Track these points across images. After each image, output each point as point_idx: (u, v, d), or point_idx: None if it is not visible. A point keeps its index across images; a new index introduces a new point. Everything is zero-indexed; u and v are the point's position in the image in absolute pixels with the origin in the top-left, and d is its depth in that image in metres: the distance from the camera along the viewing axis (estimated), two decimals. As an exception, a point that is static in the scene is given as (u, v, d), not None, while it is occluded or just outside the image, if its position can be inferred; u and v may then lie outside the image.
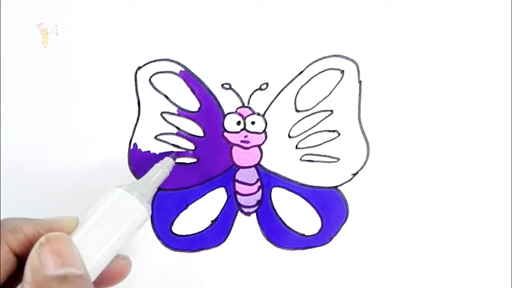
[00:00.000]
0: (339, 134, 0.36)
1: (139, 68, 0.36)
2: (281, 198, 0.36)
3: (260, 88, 0.36)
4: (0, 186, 0.35)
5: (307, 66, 0.36)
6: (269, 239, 0.36)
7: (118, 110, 0.36)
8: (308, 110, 0.36)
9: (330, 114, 0.36)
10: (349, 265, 0.35)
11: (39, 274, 0.25)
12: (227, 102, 0.36)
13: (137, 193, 0.30)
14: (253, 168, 0.36)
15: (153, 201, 0.36)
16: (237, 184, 0.36)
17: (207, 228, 0.36)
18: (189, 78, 0.36)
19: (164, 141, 0.36)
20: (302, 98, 0.36)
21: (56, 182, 0.36)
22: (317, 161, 0.36)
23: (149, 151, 0.36)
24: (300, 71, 0.36)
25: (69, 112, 0.36)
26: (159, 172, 0.33)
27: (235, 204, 0.36)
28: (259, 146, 0.36)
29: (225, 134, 0.36)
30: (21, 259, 0.27)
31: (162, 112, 0.36)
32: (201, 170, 0.36)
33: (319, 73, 0.36)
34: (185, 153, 0.36)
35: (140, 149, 0.36)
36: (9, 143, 0.36)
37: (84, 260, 0.27)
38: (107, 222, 0.29)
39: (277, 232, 0.36)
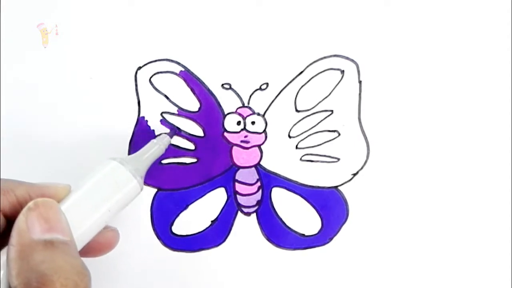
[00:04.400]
0: (339, 134, 0.36)
1: (139, 68, 0.36)
2: (281, 198, 0.36)
3: (260, 88, 0.36)
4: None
5: (307, 66, 0.36)
6: (269, 239, 0.36)
7: (118, 110, 0.36)
8: (308, 110, 0.36)
9: (330, 114, 0.36)
10: (349, 265, 0.35)
11: (24, 238, 0.25)
12: (227, 102, 0.36)
13: (131, 167, 0.30)
14: (253, 168, 0.36)
15: (153, 201, 0.36)
16: (237, 184, 0.36)
17: (207, 228, 0.36)
18: (189, 78, 0.36)
19: (164, 141, 0.36)
20: (302, 98, 0.36)
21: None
22: (317, 161, 0.36)
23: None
24: (300, 71, 0.36)
25: (69, 112, 0.36)
26: (154, 148, 0.32)
27: (235, 204, 0.36)
28: (259, 146, 0.36)
29: (225, 134, 0.36)
30: (10, 221, 0.27)
31: (162, 112, 0.36)
32: (201, 170, 0.36)
33: (319, 73, 0.36)
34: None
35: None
36: (8, 143, 0.36)
37: (71, 228, 0.27)
38: (98, 192, 0.29)
39: (277, 232, 0.36)
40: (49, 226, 0.26)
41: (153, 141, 0.33)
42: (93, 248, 0.30)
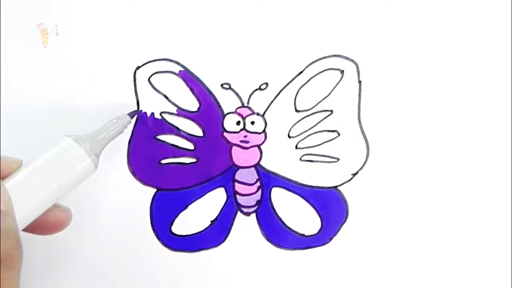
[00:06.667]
0: (339, 134, 0.36)
1: (138, 67, 0.36)
2: (280, 198, 0.36)
3: (259, 88, 0.36)
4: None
5: (307, 66, 0.36)
6: (268, 239, 0.36)
7: (117, 110, 0.36)
8: (308, 110, 0.36)
9: (330, 114, 0.36)
10: (349, 265, 0.35)
11: None
12: (227, 102, 0.36)
13: (86, 145, 0.30)
14: (253, 168, 0.36)
15: (152, 201, 0.36)
16: (236, 184, 0.36)
17: (206, 228, 0.36)
18: (189, 78, 0.36)
19: (163, 141, 0.36)
20: (302, 98, 0.36)
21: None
22: (317, 161, 0.36)
23: (148, 152, 0.36)
24: (300, 71, 0.36)
25: (68, 112, 0.36)
26: (113, 127, 0.32)
27: (234, 204, 0.36)
28: (258, 146, 0.36)
29: (225, 134, 0.36)
30: None
31: (162, 112, 0.36)
32: (201, 170, 0.36)
33: (319, 73, 0.36)
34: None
35: (139, 149, 0.36)
36: (9, 143, 0.36)
37: (18, 202, 0.27)
38: (50, 169, 0.29)
39: (276, 232, 0.36)
40: None
41: (113, 120, 0.33)
42: (42, 226, 0.30)
